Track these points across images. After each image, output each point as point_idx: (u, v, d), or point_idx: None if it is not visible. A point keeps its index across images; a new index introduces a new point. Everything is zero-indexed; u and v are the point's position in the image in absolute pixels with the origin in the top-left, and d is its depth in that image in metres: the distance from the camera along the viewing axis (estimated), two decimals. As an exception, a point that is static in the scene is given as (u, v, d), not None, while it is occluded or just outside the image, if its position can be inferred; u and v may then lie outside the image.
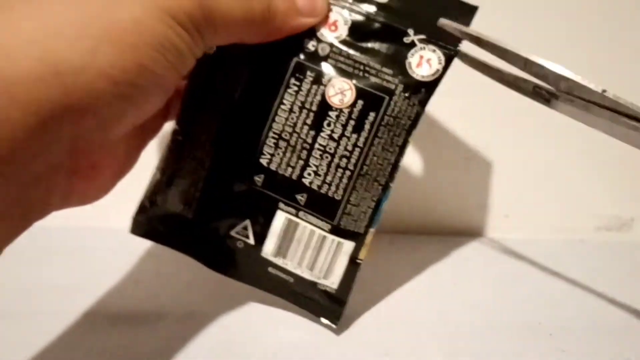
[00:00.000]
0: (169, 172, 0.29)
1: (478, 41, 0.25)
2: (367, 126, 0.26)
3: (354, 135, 0.26)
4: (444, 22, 0.26)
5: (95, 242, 0.40)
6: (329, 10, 0.26)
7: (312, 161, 0.27)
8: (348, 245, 0.28)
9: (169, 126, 0.29)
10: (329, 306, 0.29)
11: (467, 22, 0.26)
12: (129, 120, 0.22)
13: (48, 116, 0.18)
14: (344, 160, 0.27)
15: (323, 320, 0.29)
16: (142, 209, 0.29)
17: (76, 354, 0.27)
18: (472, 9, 0.27)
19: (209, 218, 0.29)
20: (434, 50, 0.26)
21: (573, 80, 0.24)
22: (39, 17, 0.18)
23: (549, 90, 0.26)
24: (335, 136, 0.26)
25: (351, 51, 0.26)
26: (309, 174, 0.27)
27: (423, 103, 0.26)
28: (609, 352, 0.29)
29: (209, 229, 0.29)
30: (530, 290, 0.35)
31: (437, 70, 0.26)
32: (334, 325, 0.29)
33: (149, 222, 0.29)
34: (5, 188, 0.18)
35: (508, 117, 0.40)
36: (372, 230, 0.28)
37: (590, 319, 0.32)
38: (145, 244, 0.39)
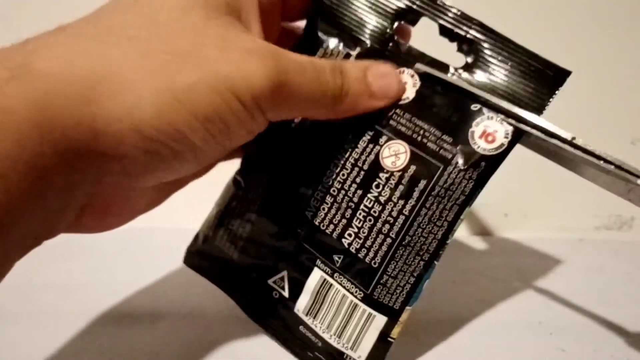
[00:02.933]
0: (223, 209, 0.29)
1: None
2: (415, 194, 0.24)
3: (401, 202, 0.24)
4: (420, 67, 0.25)
5: (95, 242, 0.39)
6: (401, 72, 0.25)
7: (354, 222, 0.25)
8: (380, 320, 0.25)
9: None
10: None
11: (553, 90, 0.24)
12: (156, 175, 0.22)
13: (75, 155, 0.18)
14: (387, 226, 0.25)
15: None
16: (195, 241, 0.30)
17: (76, 353, 0.27)
18: (563, 74, 0.24)
19: (251, 262, 0.28)
20: (501, 122, 0.23)
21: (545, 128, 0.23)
22: (99, 59, 0.19)
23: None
24: (382, 199, 0.25)
25: (414, 115, 0.25)
26: (350, 235, 0.25)
27: (481, 179, 0.24)
28: (609, 351, 0.29)
29: (250, 273, 0.28)
30: (530, 289, 0.36)
31: (502, 144, 0.23)
32: None
33: (200, 255, 0.30)
34: (26, 218, 0.18)
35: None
36: (408, 308, 0.25)
37: (590, 319, 0.32)
38: (145, 245, 0.40)
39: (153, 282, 0.35)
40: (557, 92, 0.24)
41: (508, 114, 0.24)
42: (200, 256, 0.30)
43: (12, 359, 0.27)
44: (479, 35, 0.25)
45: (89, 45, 0.19)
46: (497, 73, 0.25)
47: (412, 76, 0.25)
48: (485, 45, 0.25)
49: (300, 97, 0.22)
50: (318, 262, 0.26)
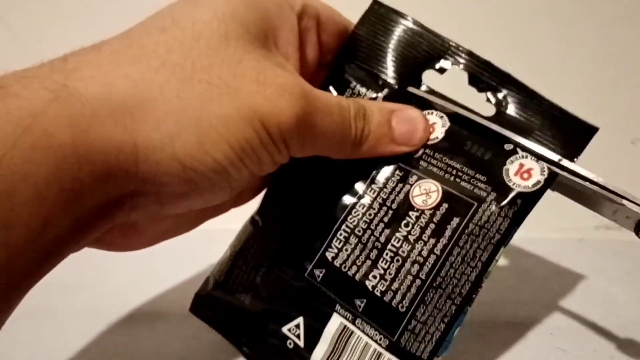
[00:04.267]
0: (238, 250, 0.27)
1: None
2: (448, 232, 0.23)
3: (432, 240, 0.23)
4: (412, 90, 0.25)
5: None
6: (429, 113, 0.25)
7: (380, 263, 0.24)
8: None
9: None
10: None
11: (581, 145, 0.23)
12: (188, 203, 0.22)
13: (113, 181, 0.18)
14: (416, 266, 0.23)
15: None
16: (205, 286, 0.28)
17: (76, 353, 0.27)
18: (591, 131, 0.24)
19: (264, 308, 0.26)
20: (537, 160, 0.23)
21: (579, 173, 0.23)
22: (139, 84, 0.19)
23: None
24: (412, 238, 0.24)
25: (445, 154, 0.24)
26: (375, 277, 0.24)
27: (517, 217, 0.23)
28: (609, 351, 0.29)
29: (262, 320, 0.26)
30: (530, 289, 0.35)
31: (538, 181, 0.23)
32: None
33: (209, 301, 0.28)
34: (53, 239, 0.18)
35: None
36: (437, 359, 0.23)
37: (590, 319, 0.32)
38: None
39: (153, 282, 0.34)
40: (583, 149, 0.24)
41: (542, 158, 0.23)
42: (210, 303, 0.28)
43: (12, 359, 0.27)
44: (507, 88, 0.25)
45: (128, 67, 0.19)
46: (524, 125, 0.25)
47: (442, 117, 0.25)
48: (514, 98, 0.25)
49: (323, 137, 0.23)
50: (337, 307, 0.24)
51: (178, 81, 0.19)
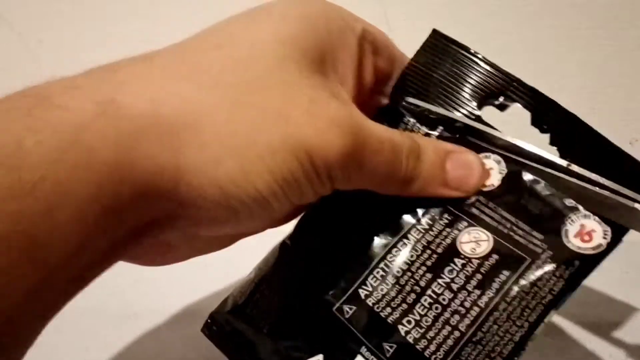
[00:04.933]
0: (265, 274, 0.26)
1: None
2: (495, 285, 0.21)
3: (477, 291, 0.22)
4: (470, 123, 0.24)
5: None
6: (486, 157, 0.24)
7: (417, 308, 0.22)
8: None
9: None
10: None
11: None
12: (225, 229, 0.21)
13: (153, 201, 0.18)
14: (456, 317, 0.21)
15: None
16: (222, 307, 0.26)
17: (76, 353, 0.27)
18: None
19: (283, 337, 0.24)
20: (599, 222, 0.22)
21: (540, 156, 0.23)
22: (187, 103, 0.18)
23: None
24: (455, 287, 0.22)
25: (499, 205, 0.23)
26: (409, 322, 0.22)
27: (573, 280, 0.21)
28: (609, 351, 0.29)
29: (279, 350, 0.24)
30: None
31: (600, 245, 0.21)
32: None
33: (224, 324, 0.26)
34: (89, 256, 0.17)
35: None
36: (466, 423, 0.21)
37: (590, 319, 0.32)
38: None
39: (154, 282, 0.34)
40: None
41: (606, 220, 0.22)
42: (224, 327, 0.26)
43: None
44: (573, 130, 0.24)
45: (179, 85, 0.19)
46: (591, 169, 0.23)
47: (499, 162, 0.24)
48: (579, 141, 0.24)
49: (371, 173, 0.22)
50: (363, 349, 0.23)
51: (229, 104, 0.19)
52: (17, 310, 0.15)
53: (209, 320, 0.27)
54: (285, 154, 0.19)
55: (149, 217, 0.18)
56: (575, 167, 0.23)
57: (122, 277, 0.34)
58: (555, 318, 0.31)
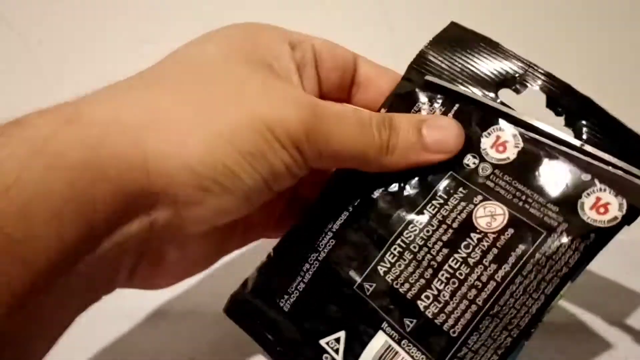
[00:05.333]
0: (280, 255, 0.26)
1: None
2: (512, 259, 0.22)
3: (493, 266, 0.22)
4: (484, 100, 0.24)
5: None
6: (501, 129, 0.24)
7: (435, 283, 0.23)
8: None
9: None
10: None
11: None
12: (207, 214, 0.21)
13: (127, 197, 0.19)
14: (473, 291, 0.22)
15: None
16: (242, 289, 0.27)
17: (76, 353, 0.27)
18: None
19: (304, 316, 0.25)
20: (616, 195, 0.22)
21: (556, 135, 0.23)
22: (148, 108, 0.20)
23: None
24: (471, 262, 0.22)
25: (515, 177, 0.23)
26: (427, 297, 0.23)
27: (589, 252, 0.21)
28: (609, 352, 0.29)
29: (300, 329, 0.25)
30: None
31: (615, 217, 0.21)
32: None
33: (245, 305, 0.27)
34: (81, 262, 0.18)
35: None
36: (487, 395, 0.22)
37: (590, 319, 0.32)
38: None
39: None
40: None
41: (622, 192, 0.22)
42: (245, 307, 0.27)
43: None
44: (587, 113, 0.24)
45: (136, 95, 0.20)
46: (604, 150, 0.23)
47: (515, 136, 0.24)
48: (594, 125, 0.24)
49: (340, 147, 0.22)
50: (384, 324, 0.23)
51: (185, 99, 0.20)
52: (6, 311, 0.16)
53: (230, 302, 0.27)
54: (246, 129, 0.20)
55: (127, 213, 0.19)
56: (589, 148, 0.23)
57: None
58: (557, 318, 0.31)
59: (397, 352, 0.23)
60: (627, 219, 0.21)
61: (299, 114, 0.21)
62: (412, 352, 0.22)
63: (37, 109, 0.19)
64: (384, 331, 0.23)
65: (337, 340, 0.24)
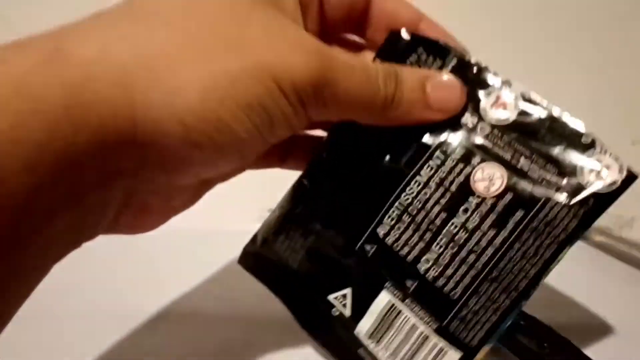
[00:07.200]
0: (286, 213, 0.27)
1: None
2: (510, 225, 0.22)
3: (492, 231, 0.22)
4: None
5: (95, 242, 0.41)
6: (501, 89, 0.23)
7: (434, 247, 0.23)
8: (453, 355, 0.23)
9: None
10: None
11: None
12: (196, 171, 0.20)
13: (112, 146, 0.17)
14: (472, 256, 0.22)
15: None
16: (253, 243, 0.28)
17: (76, 353, 0.27)
18: None
19: (311, 273, 0.26)
20: (615, 159, 0.21)
21: None
22: (138, 44, 0.18)
23: None
24: (470, 226, 0.23)
25: (514, 138, 0.22)
26: (427, 261, 0.23)
27: (588, 217, 0.21)
28: (609, 352, 0.29)
29: (309, 284, 0.26)
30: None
31: (615, 181, 0.21)
32: None
33: (257, 258, 0.28)
34: (62, 214, 0.17)
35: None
36: (486, 347, 0.23)
37: (591, 319, 0.32)
38: (144, 244, 0.38)
39: (154, 283, 0.34)
40: None
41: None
42: (257, 259, 0.28)
43: (12, 359, 0.27)
44: None
45: (126, 29, 0.18)
46: None
47: (516, 98, 0.23)
48: None
49: (346, 98, 0.21)
50: (387, 284, 0.24)
51: (181, 40, 0.18)
52: None
53: (243, 255, 0.28)
54: (248, 79, 0.18)
55: (110, 166, 0.18)
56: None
57: (122, 277, 0.36)
58: (557, 319, 0.30)
59: (400, 311, 0.24)
60: (625, 184, 0.21)
61: (307, 63, 0.19)
62: (415, 311, 0.24)
63: (15, 42, 0.17)
64: (388, 290, 0.24)
65: (344, 296, 0.25)
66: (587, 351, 0.27)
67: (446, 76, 0.23)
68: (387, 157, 0.24)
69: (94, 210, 0.18)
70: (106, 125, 0.17)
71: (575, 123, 0.22)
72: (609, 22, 0.40)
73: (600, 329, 0.31)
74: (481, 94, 0.23)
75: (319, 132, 0.28)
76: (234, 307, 0.31)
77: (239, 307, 0.31)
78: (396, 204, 0.24)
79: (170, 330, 0.29)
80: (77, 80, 0.16)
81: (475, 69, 0.24)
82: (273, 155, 0.28)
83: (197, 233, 0.42)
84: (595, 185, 0.21)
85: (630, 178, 0.21)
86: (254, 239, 0.28)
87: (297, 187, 0.27)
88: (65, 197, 0.17)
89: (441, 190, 0.23)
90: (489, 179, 0.22)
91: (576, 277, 0.35)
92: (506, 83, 0.23)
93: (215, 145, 0.19)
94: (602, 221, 0.42)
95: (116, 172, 0.18)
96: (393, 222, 0.24)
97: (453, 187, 0.23)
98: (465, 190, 0.23)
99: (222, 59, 0.18)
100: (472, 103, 0.23)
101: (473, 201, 0.23)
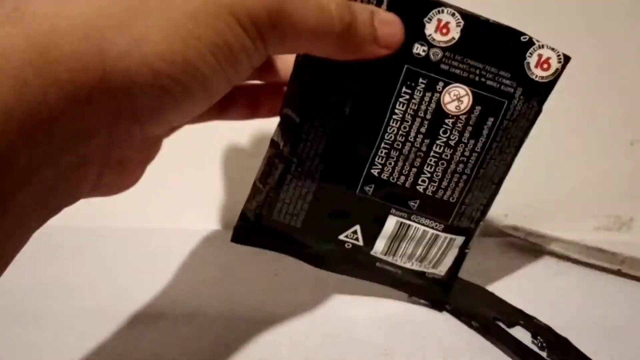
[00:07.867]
0: (275, 186, 0.28)
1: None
2: (485, 131, 0.26)
3: (472, 141, 0.26)
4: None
5: (95, 242, 0.40)
6: (440, 12, 0.24)
7: (426, 169, 0.26)
8: (459, 240, 0.29)
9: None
10: (436, 290, 0.30)
11: None
12: (167, 117, 0.21)
13: (84, 100, 0.17)
14: (461, 165, 0.26)
15: (424, 301, 0.31)
16: (245, 220, 0.29)
17: (76, 353, 0.27)
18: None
19: (316, 226, 0.29)
20: (552, 49, 0.25)
21: None
22: None
23: None
24: (452, 143, 0.26)
25: (465, 55, 0.25)
26: (423, 181, 0.27)
27: (541, 102, 0.26)
28: (609, 352, 0.29)
29: (316, 234, 0.29)
30: (530, 289, 0.36)
31: (557, 69, 0.25)
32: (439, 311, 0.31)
33: (255, 232, 0.29)
34: (39, 176, 0.17)
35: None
36: (481, 223, 0.29)
37: (591, 319, 0.32)
38: (144, 244, 0.40)
39: (153, 283, 0.34)
40: None
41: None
42: (256, 233, 0.29)
43: (12, 358, 0.27)
44: None
45: None
46: None
47: (453, 15, 0.25)
48: None
49: (302, 27, 0.21)
50: (392, 210, 0.28)
51: None
52: None
53: (235, 233, 0.29)
54: (207, 17, 0.19)
55: (84, 121, 0.18)
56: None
57: (122, 278, 0.35)
58: (557, 318, 0.31)
59: (409, 225, 0.28)
60: (563, 68, 0.25)
61: None
62: (422, 221, 0.28)
63: None
64: (394, 215, 0.28)
65: (355, 232, 0.28)
66: (587, 351, 0.28)
67: (386, 12, 0.24)
68: (360, 105, 0.26)
69: (72, 170, 0.19)
70: (77, 80, 0.16)
71: (510, 26, 0.25)
72: (609, 22, 0.40)
73: (600, 329, 0.31)
74: (423, 22, 0.25)
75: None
76: (234, 307, 0.32)
77: (238, 307, 0.32)
78: (382, 144, 0.26)
79: (169, 330, 0.30)
80: (41, 38, 0.16)
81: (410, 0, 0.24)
82: (214, 108, 0.27)
83: (198, 233, 0.41)
84: (543, 78, 0.25)
85: (566, 62, 0.25)
86: (243, 217, 0.29)
87: (277, 160, 0.27)
88: (41, 158, 0.17)
89: (418, 120, 0.26)
90: (457, 98, 0.25)
91: (575, 276, 0.37)
92: (441, 5, 0.24)
93: (183, 87, 0.19)
94: (602, 221, 0.45)
95: (91, 128, 0.18)
96: (383, 160, 0.26)
97: (428, 115, 0.25)
98: (439, 114, 0.25)
99: (181, 1, 0.18)
100: (417, 31, 0.24)
101: (449, 122, 0.26)
